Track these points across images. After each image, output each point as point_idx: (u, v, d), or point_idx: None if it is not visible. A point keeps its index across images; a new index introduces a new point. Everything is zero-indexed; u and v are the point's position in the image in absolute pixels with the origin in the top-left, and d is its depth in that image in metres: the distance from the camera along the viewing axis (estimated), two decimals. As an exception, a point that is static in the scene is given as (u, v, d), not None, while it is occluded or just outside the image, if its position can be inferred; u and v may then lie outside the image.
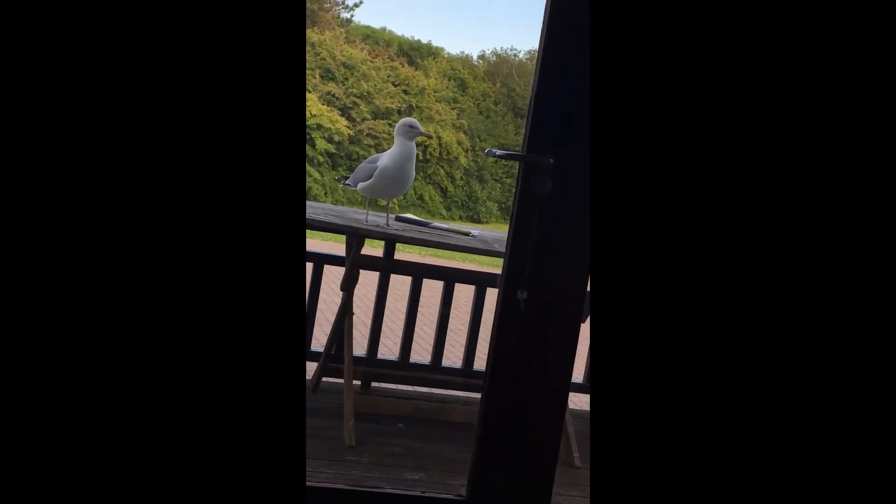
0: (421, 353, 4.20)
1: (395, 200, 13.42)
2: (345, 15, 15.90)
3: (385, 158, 3.06)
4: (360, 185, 3.06)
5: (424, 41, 16.16)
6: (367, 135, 14.05)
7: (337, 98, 14.11)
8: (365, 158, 3.43)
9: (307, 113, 13.33)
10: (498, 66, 16.98)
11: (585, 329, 2.06)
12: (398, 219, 3.28)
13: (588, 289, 2.09)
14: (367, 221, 3.06)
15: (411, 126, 3.06)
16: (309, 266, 3.48)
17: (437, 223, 3.36)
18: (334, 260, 3.46)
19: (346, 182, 3.22)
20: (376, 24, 16.15)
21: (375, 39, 15.65)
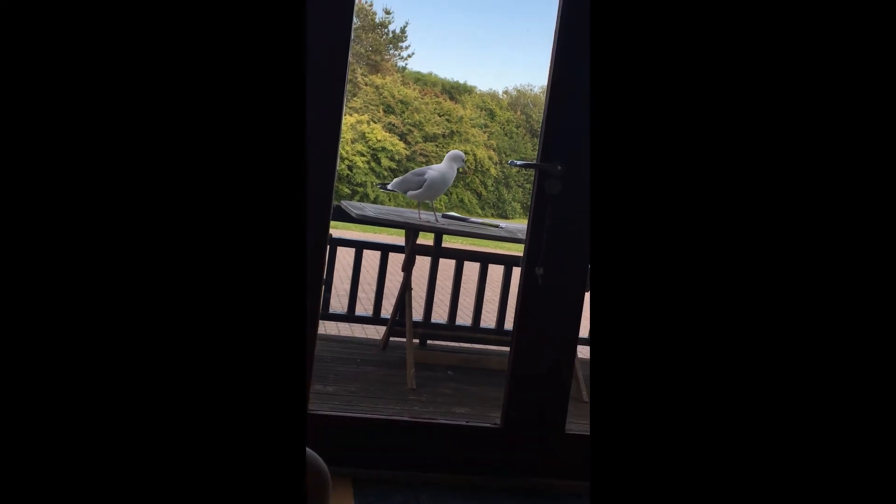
0: (464, 317, 4.20)
1: (442, 202, 13.27)
2: (401, 63, 15.90)
3: (434, 172, 3.04)
4: (411, 192, 3.06)
5: (461, 81, 16.10)
6: (420, 154, 14.04)
7: (396, 127, 14.12)
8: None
9: (374, 138, 13.37)
10: (518, 99, 16.83)
11: (587, 296, 2.04)
12: (444, 216, 3.28)
13: (589, 266, 2.07)
14: (420, 219, 3.06)
15: (463, 160, 3.07)
16: (377, 253, 3.50)
17: (473, 219, 3.35)
18: (397, 248, 3.47)
19: (388, 187, 3.20)
20: (424, 70, 16.11)
21: (424, 81, 15.60)
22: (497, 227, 3.19)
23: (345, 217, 3.18)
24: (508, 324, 3.40)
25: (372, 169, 13.25)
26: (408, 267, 3.08)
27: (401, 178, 3.19)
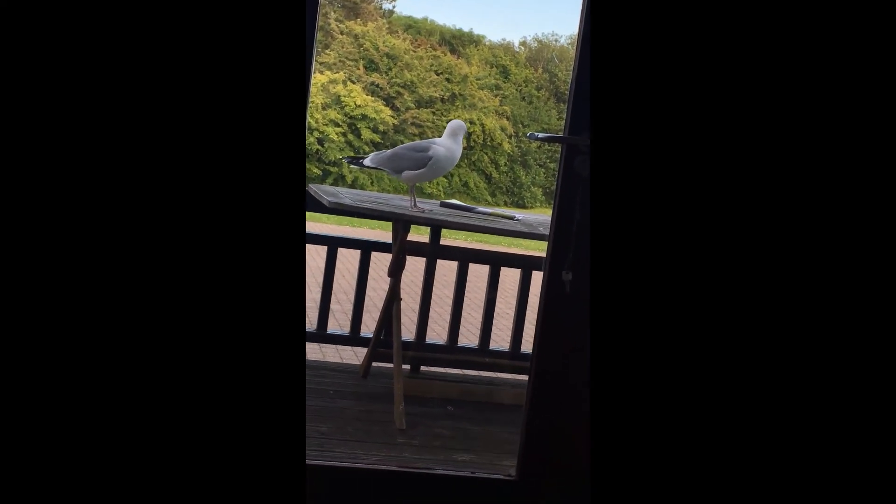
0: (468, 336, 4.20)
1: (441, 187, 13.25)
2: (387, 6, 15.91)
3: (440, 148, 3.03)
4: (408, 173, 3.04)
5: (466, 29, 16.12)
6: (412, 124, 14.05)
7: (381, 88, 14.13)
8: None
9: (352, 103, 13.40)
10: (539, 52, 16.87)
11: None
12: (443, 204, 3.27)
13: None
14: (413, 207, 3.05)
15: (465, 131, 3.10)
16: (356, 253, 3.50)
17: (481, 208, 3.35)
18: (381, 247, 3.47)
19: (365, 163, 3.14)
20: (418, 14, 16.16)
21: (417, 29, 15.63)
22: (512, 218, 3.19)
23: (314, 205, 3.17)
24: (526, 345, 3.39)
25: (349, 143, 13.27)
26: (396, 271, 3.07)
27: (389, 152, 3.16)
